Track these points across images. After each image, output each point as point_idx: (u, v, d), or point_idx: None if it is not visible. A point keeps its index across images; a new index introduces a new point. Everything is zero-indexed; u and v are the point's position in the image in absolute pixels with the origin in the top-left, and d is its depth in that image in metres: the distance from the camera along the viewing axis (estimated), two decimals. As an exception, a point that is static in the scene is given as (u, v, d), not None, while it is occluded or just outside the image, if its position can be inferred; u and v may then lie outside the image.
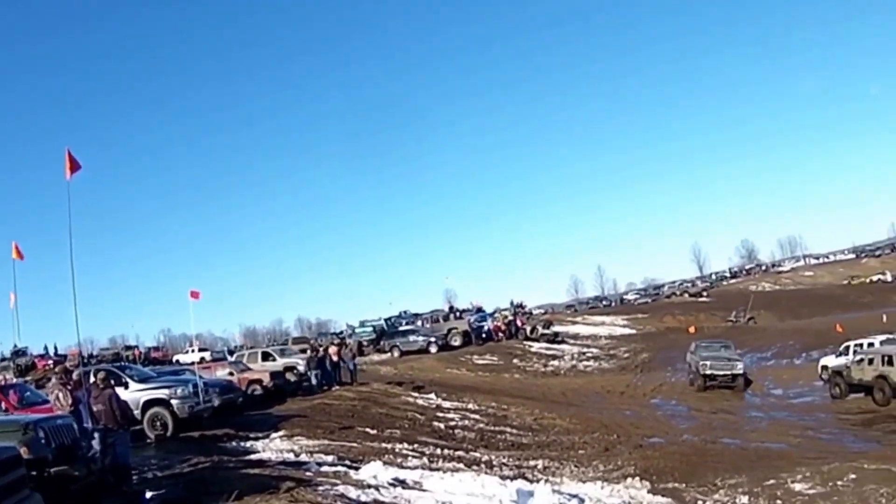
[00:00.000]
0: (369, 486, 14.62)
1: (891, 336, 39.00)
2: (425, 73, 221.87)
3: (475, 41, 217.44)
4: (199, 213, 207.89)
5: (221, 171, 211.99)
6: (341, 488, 14.03)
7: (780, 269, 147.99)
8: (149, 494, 13.45)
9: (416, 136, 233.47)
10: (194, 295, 27.50)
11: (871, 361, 31.73)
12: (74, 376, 15.93)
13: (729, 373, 39.25)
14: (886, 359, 30.80)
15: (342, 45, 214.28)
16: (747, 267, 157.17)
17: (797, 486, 16.50)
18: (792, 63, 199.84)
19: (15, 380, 34.96)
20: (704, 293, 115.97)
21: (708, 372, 39.29)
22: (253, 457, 18.96)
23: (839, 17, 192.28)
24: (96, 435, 13.05)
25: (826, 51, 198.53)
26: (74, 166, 16.21)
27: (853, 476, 16.45)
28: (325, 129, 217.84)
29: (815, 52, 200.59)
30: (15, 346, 60.79)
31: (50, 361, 63.59)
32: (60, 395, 14.21)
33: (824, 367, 38.01)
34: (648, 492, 16.77)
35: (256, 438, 21.69)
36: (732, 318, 78.22)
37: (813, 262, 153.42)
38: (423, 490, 15.03)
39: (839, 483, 16.22)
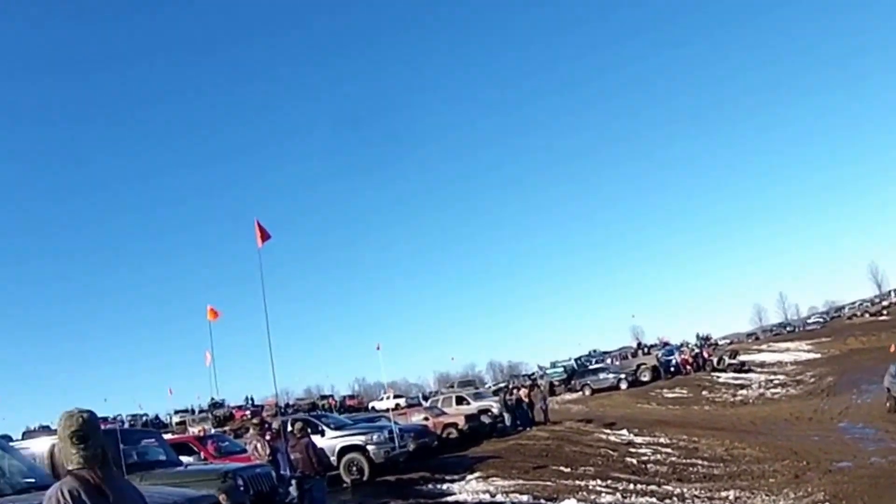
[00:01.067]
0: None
1: None
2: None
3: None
4: (390, 266, 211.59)
5: (406, 223, 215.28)
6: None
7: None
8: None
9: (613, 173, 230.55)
10: (378, 347, 28.32)
11: None
12: (274, 426, 16.47)
13: None
14: None
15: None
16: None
17: None
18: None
19: (213, 430, 36.30)
20: (884, 311, 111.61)
21: None
22: (449, 499, 19.15)
23: None
24: (293, 482, 13.43)
25: None
26: (265, 235, 17.02)
27: None
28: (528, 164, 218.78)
29: None
30: (212, 398, 63.31)
31: (247, 412, 66.00)
32: (259, 444, 14.70)
33: None
34: None
35: (452, 480, 21.82)
36: None
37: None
38: (616, 525, 15.02)
39: None
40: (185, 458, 15.47)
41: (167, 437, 19.22)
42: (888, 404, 35.89)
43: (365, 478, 22.34)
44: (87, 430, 3.68)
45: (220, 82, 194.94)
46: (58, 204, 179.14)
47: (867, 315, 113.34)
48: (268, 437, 15.21)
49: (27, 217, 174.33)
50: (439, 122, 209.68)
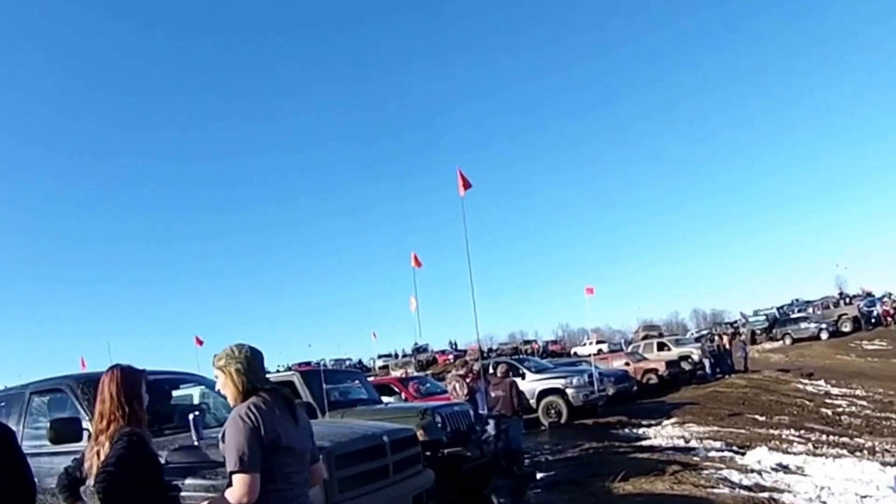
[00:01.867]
0: (752, 471, 14.74)
1: None
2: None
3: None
4: (596, 211, 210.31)
5: (609, 168, 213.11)
6: (724, 472, 14.28)
7: None
8: (539, 475, 14.41)
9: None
10: (590, 291, 28.52)
11: None
12: (475, 368, 17.17)
13: None
14: None
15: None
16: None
17: None
18: None
19: (416, 373, 37.43)
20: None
21: None
22: (644, 443, 19.35)
23: None
24: (490, 421, 14.05)
25: None
26: (467, 184, 17.65)
27: None
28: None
29: None
30: (416, 343, 64.97)
31: (450, 356, 67.17)
32: (458, 385, 15.37)
33: None
34: None
35: (648, 425, 22.15)
36: None
37: None
38: (804, 475, 14.98)
39: None
40: (386, 399, 16.36)
41: (370, 379, 20.14)
42: None
43: (563, 420, 22.92)
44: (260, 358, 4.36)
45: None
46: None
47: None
48: (468, 379, 15.90)
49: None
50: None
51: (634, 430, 21.57)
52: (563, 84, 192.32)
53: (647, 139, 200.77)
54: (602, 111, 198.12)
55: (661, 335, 52.10)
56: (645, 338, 50.47)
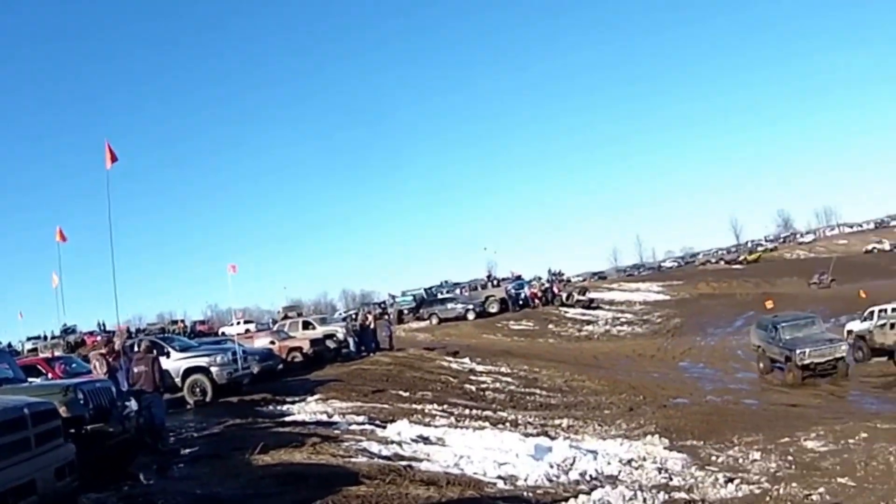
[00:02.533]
0: (392, 442, 15.38)
1: (916, 301, 39.58)
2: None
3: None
4: (244, 190, 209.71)
5: (263, 147, 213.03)
6: (364, 444, 14.83)
7: (802, 240, 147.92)
8: (183, 451, 14.41)
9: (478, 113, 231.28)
10: (233, 268, 28.49)
11: (892, 326, 32.20)
12: (117, 346, 16.91)
13: (831, 357, 30.96)
14: None
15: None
16: (783, 235, 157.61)
17: (809, 444, 16.87)
18: (833, 38, 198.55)
19: (63, 355, 36.13)
20: (740, 261, 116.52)
21: (807, 361, 30.52)
22: (287, 419, 19.68)
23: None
24: (132, 397, 13.90)
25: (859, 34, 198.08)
26: (113, 157, 17.29)
27: (864, 435, 16.86)
28: (381, 104, 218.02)
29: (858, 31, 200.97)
30: (65, 324, 62.46)
31: (98, 337, 65.11)
32: (97, 363, 15.20)
33: (849, 332, 37.17)
34: (665, 448, 17.01)
35: (293, 402, 22.46)
36: (815, 281, 77.79)
37: (847, 230, 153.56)
38: (444, 445, 15.73)
39: (850, 441, 16.59)
40: (34, 380, 15.79)
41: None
42: (761, 365, 34.90)
43: (208, 399, 22.73)
44: None
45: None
46: None
47: (722, 262, 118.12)
48: (110, 357, 15.67)
49: None
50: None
51: (279, 407, 21.82)
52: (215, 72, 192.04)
53: (294, 123, 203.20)
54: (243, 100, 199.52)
55: (300, 314, 52.81)
56: (285, 317, 51.23)
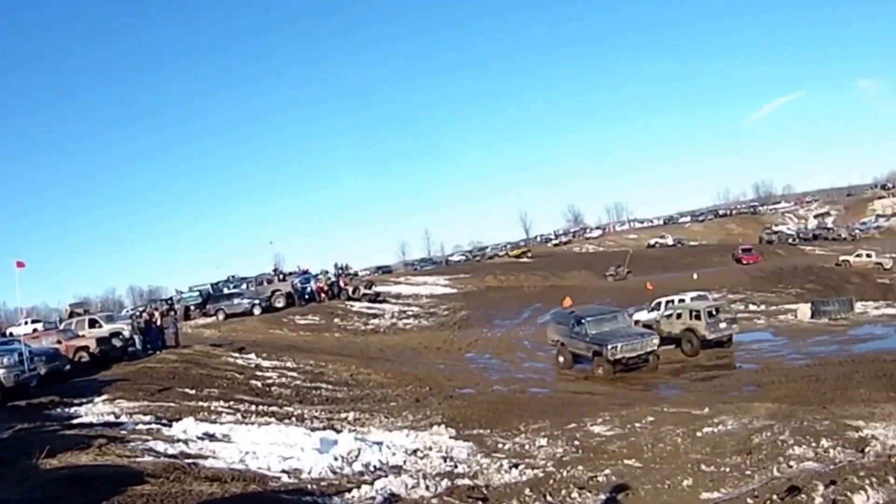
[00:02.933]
0: (178, 441, 15.94)
1: (701, 293, 42.51)
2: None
3: None
4: (27, 186, 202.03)
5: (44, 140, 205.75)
6: (151, 443, 15.33)
7: (591, 234, 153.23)
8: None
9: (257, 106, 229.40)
10: (20, 265, 28.18)
11: (679, 316, 34.89)
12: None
13: (643, 352, 31.28)
14: (694, 313, 34.04)
15: None
16: (572, 230, 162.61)
17: (596, 429, 17.98)
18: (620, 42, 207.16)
19: None
20: (528, 254, 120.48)
21: (619, 356, 30.47)
22: (75, 421, 19.65)
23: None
24: None
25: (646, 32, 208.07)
26: None
27: (651, 419, 18.17)
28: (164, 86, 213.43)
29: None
30: None
31: None
32: None
33: (637, 322, 39.34)
34: (452, 437, 17.91)
35: (80, 404, 22.34)
36: (612, 273, 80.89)
37: (637, 225, 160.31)
38: (230, 442, 16.40)
39: (637, 425, 17.81)
40: None
41: None
42: (561, 359, 34.67)
43: (-5, 402, 22.21)
44: None
45: None
46: None
47: (509, 256, 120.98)
48: None
49: None
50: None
51: (67, 410, 21.65)
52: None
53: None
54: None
55: (86, 311, 51.76)
56: (71, 315, 49.92)
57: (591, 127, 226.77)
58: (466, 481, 13.50)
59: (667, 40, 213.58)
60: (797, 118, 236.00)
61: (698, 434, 16.33)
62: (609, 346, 30.45)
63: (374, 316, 60.40)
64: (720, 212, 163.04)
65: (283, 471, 13.65)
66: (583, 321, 32.93)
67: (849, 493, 10.03)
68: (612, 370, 30.60)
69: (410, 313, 63.63)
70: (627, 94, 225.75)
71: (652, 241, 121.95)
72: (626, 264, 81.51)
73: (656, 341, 31.92)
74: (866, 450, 13.68)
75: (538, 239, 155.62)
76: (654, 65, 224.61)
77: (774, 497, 10.82)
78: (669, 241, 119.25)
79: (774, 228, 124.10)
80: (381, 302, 67.76)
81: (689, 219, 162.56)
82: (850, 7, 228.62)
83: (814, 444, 14.50)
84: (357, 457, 15.07)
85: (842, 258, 69.73)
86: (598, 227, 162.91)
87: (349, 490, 12.22)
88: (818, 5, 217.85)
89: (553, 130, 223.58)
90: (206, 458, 14.44)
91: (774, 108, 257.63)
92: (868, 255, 68.10)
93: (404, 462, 15.07)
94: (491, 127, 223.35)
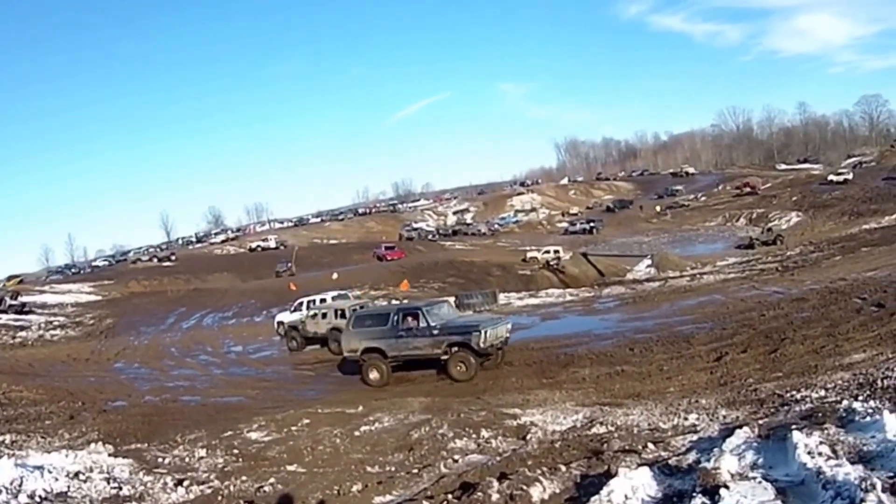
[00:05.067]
0: None
1: (342, 292, 43.68)
2: None
3: None
4: None
5: None
6: None
7: (232, 236, 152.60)
8: None
9: None
10: None
11: (324, 315, 35.24)
12: None
13: (503, 338, 25.97)
14: (339, 312, 34.39)
15: None
16: (214, 231, 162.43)
17: (253, 435, 17.80)
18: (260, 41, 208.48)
19: None
20: (172, 257, 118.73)
21: (489, 344, 24.34)
22: None
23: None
24: None
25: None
26: None
27: (307, 421, 18.39)
28: None
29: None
30: None
31: None
32: None
33: (280, 323, 40.45)
34: (111, 455, 17.01)
35: None
36: (281, 270, 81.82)
37: (278, 226, 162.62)
38: None
39: (293, 428, 17.92)
40: None
41: None
42: (374, 376, 25.61)
43: None
44: None
45: None
46: None
47: (155, 260, 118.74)
48: None
49: None
50: None
51: None
52: None
53: None
54: None
55: None
56: None
57: (233, 127, 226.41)
58: (134, 504, 13.22)
59: (310, 40, 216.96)
60: (441, 118, 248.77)
61: (356, 433, 16.74)
62: (476, 333, 24.10)
63: (22, 328, 58.23)
64: (360, 210, 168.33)
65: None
66: (419, 312, 25.81)
67: (525, 487, 10.15)
68: (478, 364, 24.32)
69: (57, 323, 61.71)
70: (269, 93, 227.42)
71: (254, 245, 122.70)
72: (293, 262, 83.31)
73: (510, 326, 27.06)
74: (528, 437, 14.57)
75: (179, 241, 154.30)
76: (297, 65, 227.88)
77: (450, 497, 10.97)
78: (272, 245, 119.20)
79: (414, 225, 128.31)
80: (27, 313, 65.27)
81: (328, 217, 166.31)
82: (495, 11, 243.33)
83: (475, 436, 15.24)
84: (21, 486, 13.91)
85: (529, 255, 73.71)
86: (240, 229, 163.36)
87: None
88: (465, 9, 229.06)
89: (194, 131, 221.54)
90: None
91: (419, 109, 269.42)
92: (547, 252, 72.33)
93: (68, 488, 14.22)
94: (130, 128, 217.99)
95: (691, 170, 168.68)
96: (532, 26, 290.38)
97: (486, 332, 24.14)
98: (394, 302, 44.58)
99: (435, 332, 25.04)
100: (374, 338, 25.95)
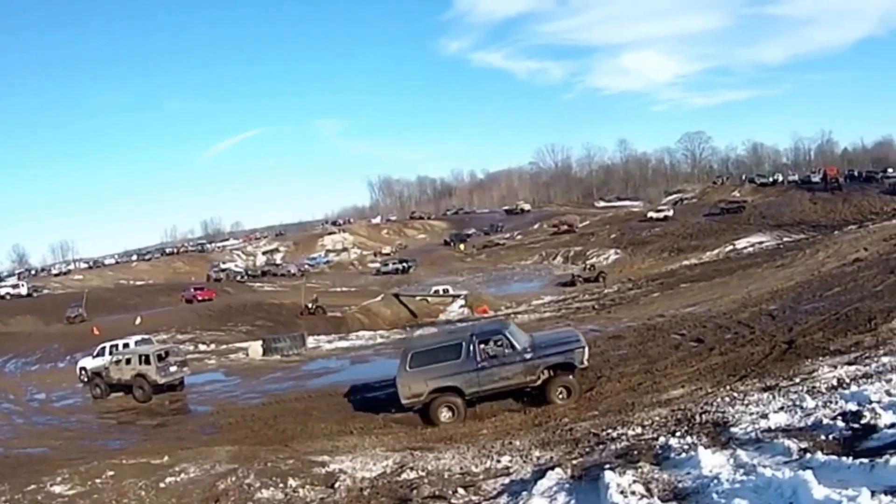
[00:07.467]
0: None
1: (145, 336, 42.09)
2: None
3: None
4: None
5: None
6: None
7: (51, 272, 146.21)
8: None
9: None
10: None
11: (129, 361, 33.91)
12: None
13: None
14: (144, 358, 33.35)
15: None
16: (17, 271, 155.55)
17: (57, 489, 16.72)
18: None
19: None
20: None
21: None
22: None
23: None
24: None
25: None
26: None
27: (111, 473, 17.26)
28: None
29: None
30: None
31: None
32: None
33: (83, 369, 38.72)
34: None
35: None
36: (72, 315, 76.14)
37: (84, 265, 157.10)
38: None
39: (98, 481, 16.84)
40: None
41: None
42: (447, 416, 21.33)
43: None
44: None
45: None
46: None
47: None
48: None
49: None
50: None
51: None
52: None
53: None
54: None
55: None
56: None
57: (40, 161, 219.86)
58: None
59: (126, 73, 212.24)
60: (252, 156, 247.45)
61: (161, 485, 16.09)
62: (579, 350, 21.50)
63: None
64: (168, 250, 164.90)
65: None
66: (502, 336, 21.77)
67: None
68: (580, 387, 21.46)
69: None
70: (82, 127, 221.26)
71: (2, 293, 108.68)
72: (83, 306, 78.36)
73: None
74: (336, 485, 14.51)
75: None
76: (112, 97, 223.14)
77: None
78: (23, 291, 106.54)
79: (223, 266, 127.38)
80: None
81: (129, 258, 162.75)
82: (316, 47, 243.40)
83: (282, 485, 14.99)
84: None
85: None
86: (44, 269, 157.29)
87: None
88: (284, 43, 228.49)
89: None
90: None
91: (232, 146, 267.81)
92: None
93: None
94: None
95: (527, 206, 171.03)
96: (351, 61, 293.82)
97: (586, 348, 21.56)
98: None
99: (527, 356, 21.40)
100: (444, 375, 21.51)
